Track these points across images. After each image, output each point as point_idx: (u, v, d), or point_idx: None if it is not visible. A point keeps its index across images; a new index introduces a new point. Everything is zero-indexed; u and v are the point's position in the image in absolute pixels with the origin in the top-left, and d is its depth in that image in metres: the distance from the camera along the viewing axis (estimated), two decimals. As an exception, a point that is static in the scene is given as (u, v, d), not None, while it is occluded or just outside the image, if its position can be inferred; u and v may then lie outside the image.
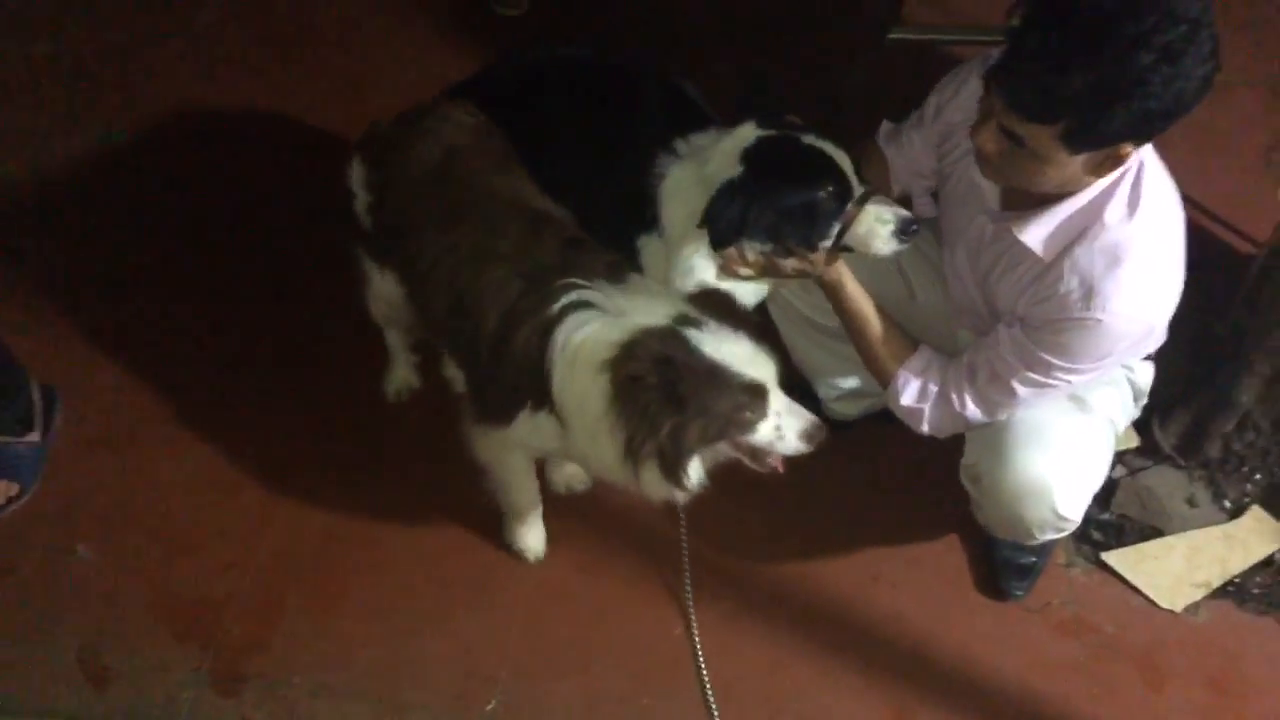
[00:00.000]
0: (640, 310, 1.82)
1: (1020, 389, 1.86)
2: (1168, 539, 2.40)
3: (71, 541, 2.31)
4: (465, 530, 2.37)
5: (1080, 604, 2.32)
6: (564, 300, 1.85)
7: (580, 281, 1.87)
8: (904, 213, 2.00)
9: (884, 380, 2.04)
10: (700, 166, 2.04)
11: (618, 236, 2.15)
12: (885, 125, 2.19)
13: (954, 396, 1.95)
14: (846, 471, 2.46)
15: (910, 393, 2.00)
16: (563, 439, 1.93)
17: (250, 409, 2.54)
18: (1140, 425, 2.52)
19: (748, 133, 2.02)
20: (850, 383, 2.39)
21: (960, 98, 1.92)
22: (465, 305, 1.96)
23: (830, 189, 1.96)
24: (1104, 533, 2.40)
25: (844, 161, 1.98)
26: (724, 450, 1.86)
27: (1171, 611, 2.31)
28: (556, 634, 2.25)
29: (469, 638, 2.23)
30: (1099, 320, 1.72)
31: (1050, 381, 1.84)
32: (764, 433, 1.80)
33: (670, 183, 2.08)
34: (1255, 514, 2.45)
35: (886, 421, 2.18)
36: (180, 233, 2.91)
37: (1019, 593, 2.31)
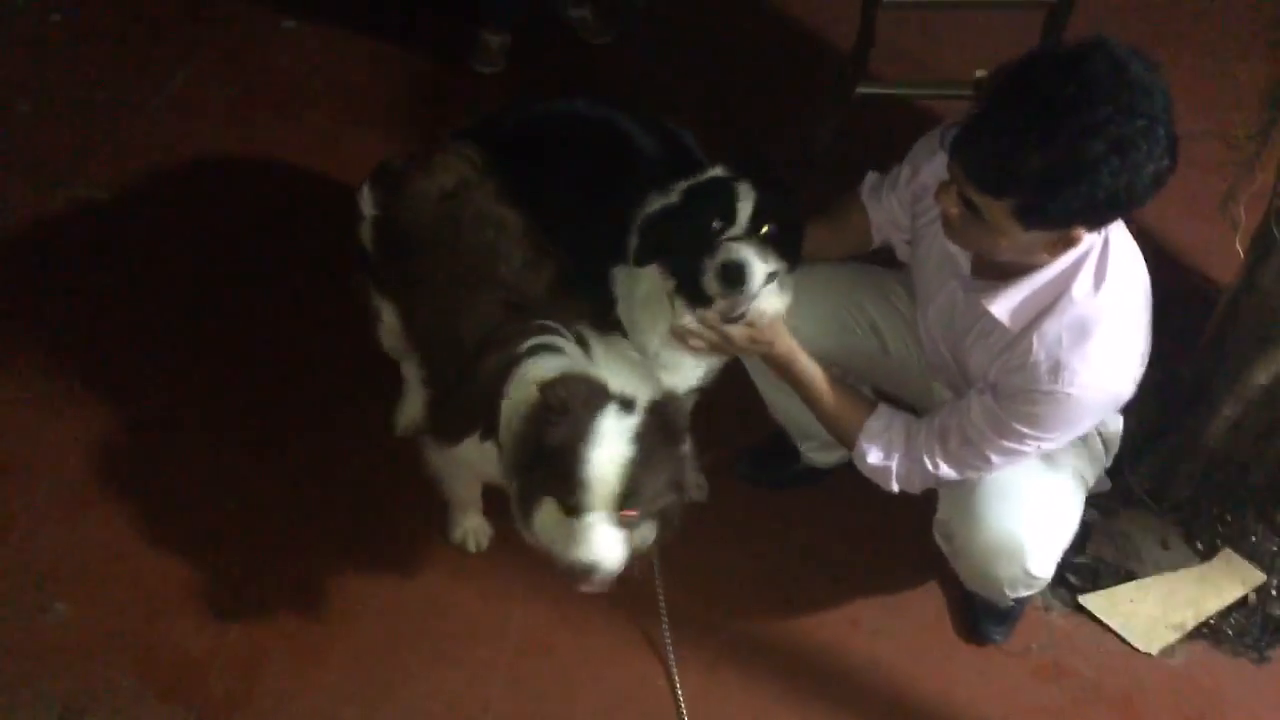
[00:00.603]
0: (610, 373, 1.89)
1: (993, 456, 1.89)
2: (1143, 581, 2.44)
3: (50, 599, 2.30)
4: (448, 583, 2.38)
5: (1059, 648, 2.35)
6: (534, 341, 1.92)
7: (556, 326, 1.94)
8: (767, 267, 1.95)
9: (848, 445, 2.07)
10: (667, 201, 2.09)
11: (602, 268, 2.20)
12: (870, 177, 2.23)
13: (925, 458, 1.97)
14: (825, 518, 2.50)
15: (875, 454, 2.02)
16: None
17: (229, 465, 2.54)
18: (1112, 470, 2.57)
19: (708, 175, 2.08)
20: (825, 434, 2.42)
21: (935, 162, 1.95)
22: (451, 321, 2.04)
23: (716, 221, 1.96)
24: (1080, 576, 2.43)
25: (745, 202, 1.96)
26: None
27: (1149, 654, 2.34)
28: (539, 687, 2.25)
29: (452, 691, 2.23)
30: (1068, 394, 1.76)
31: (1023, 448, 1.87)
32: (565, 532, 1.79)
33: (643, 215, 2.11)
34: (1226, 555, 2.49)
35: None
36: (162, 288, 2.92)
37: (998, 638, 2.33)
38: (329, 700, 2.20)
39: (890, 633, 2.36)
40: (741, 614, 2.38)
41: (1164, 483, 2.52)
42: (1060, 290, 1.76)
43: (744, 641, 2.34)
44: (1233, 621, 2.41)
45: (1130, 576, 2.44)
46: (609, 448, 1.75)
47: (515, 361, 1.91)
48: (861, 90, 3.10)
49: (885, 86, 3.20)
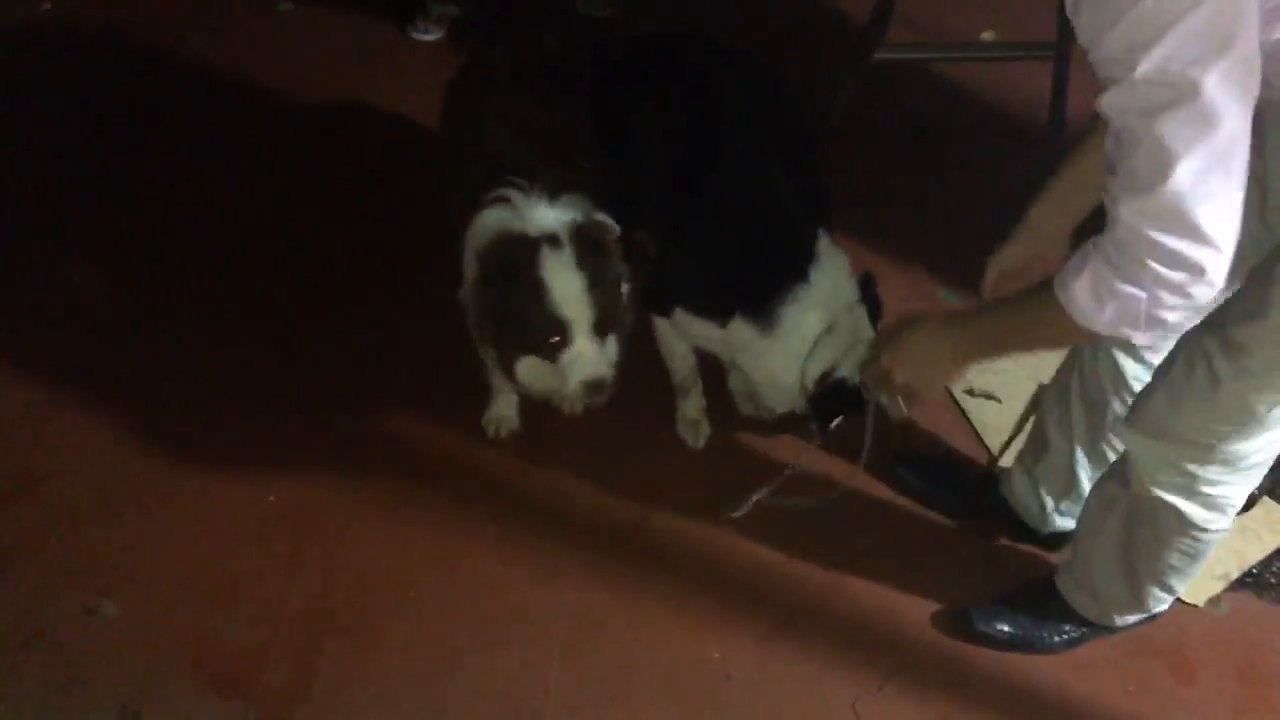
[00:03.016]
0: (534, 222, 2.08)
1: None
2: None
3: (97, 598, 2.26)
4: (498, 567, 2.37)
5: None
6: (497, 193, 2.13)
7: (520, 181, 2.13)
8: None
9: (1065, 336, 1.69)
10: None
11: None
12: None
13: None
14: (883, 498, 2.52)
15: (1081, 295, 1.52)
16: None
17: (275, 454, 2.52)
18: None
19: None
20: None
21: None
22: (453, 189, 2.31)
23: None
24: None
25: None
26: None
27: (1195, 605, 2.37)
28: (597, 665, 2.24)
29: (510, 674, 2.22)
30: None
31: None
32: (560, 368, 2.05)
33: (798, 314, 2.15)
34: (1265, 505, 2.52)
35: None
36: (180, 274, 2.90)
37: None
38: (387, 687, 2.19)
39: (944, 589, 2.38)
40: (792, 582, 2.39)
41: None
42: None
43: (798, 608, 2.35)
44: (1274, 569, 2.44)
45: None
46: (563, 283, 1.99)
47: (476, 211, 2.13)
48: (880, 56, 3.09)
49: (902, 52, 3.19)
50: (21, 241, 2.99)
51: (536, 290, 1.99)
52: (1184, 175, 1.29)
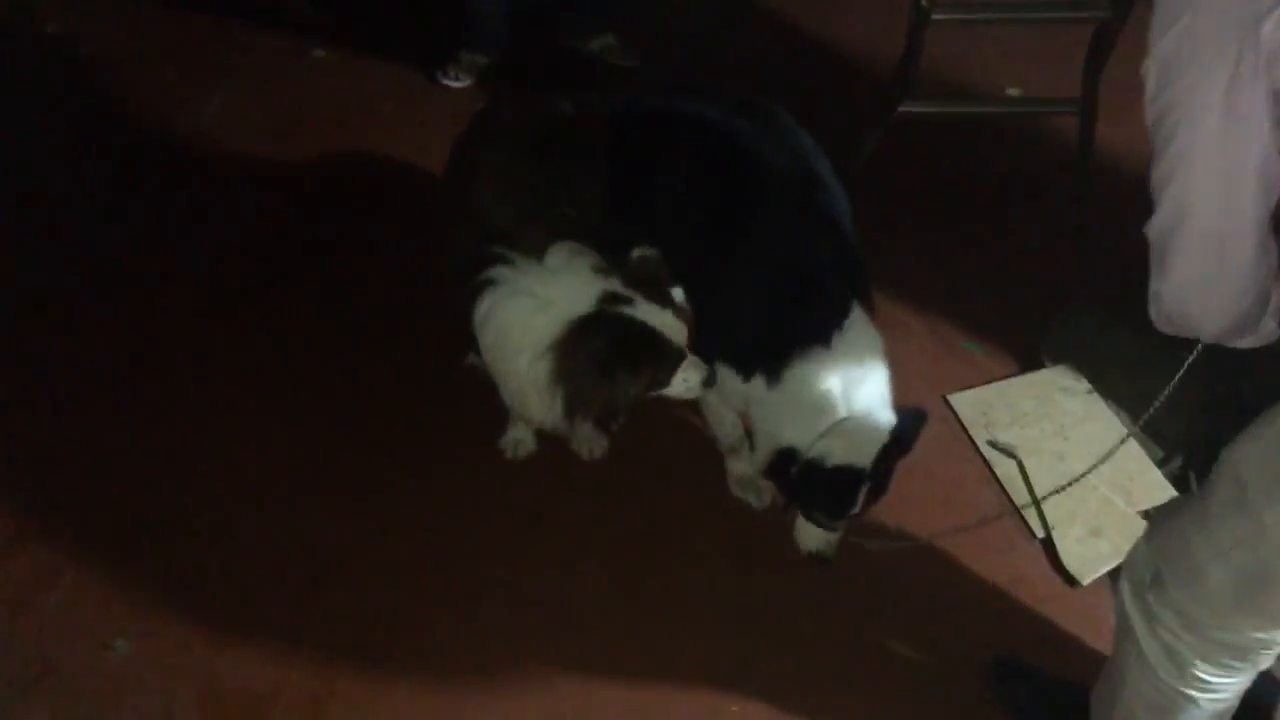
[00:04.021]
0: (567, 297, 2.10)
1: None
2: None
3: (110, 636, 2.25)
4: (513, 612, 2.34)
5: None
6: (485, 274, 2.16)
7: (508, 255, 2.16)
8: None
9: None
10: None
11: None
12: None
13: None
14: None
15: None
16: None
17: (289, 497, 2.51)
18: (1179, 482, 2.56)
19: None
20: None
21: None
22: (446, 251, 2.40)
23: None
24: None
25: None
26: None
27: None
28: (612, 716, 2.21)
29: (522, 723, 2.19)
30: None
31: None
32: (676, 384, 2.15)
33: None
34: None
35: None
36: (195, 306, 2.93)
37: None
38: (398, 734, 2.16)
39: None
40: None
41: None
42: None
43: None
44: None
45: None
46: (667, 323, 2.10)
47: (476, 292, 2.17)
48: (903, 109, 3.10)
49: (927, 105, 3.19)
50: (35, 270, 3.03)
51: (659, 348, 2.10)
52: None
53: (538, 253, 2.16)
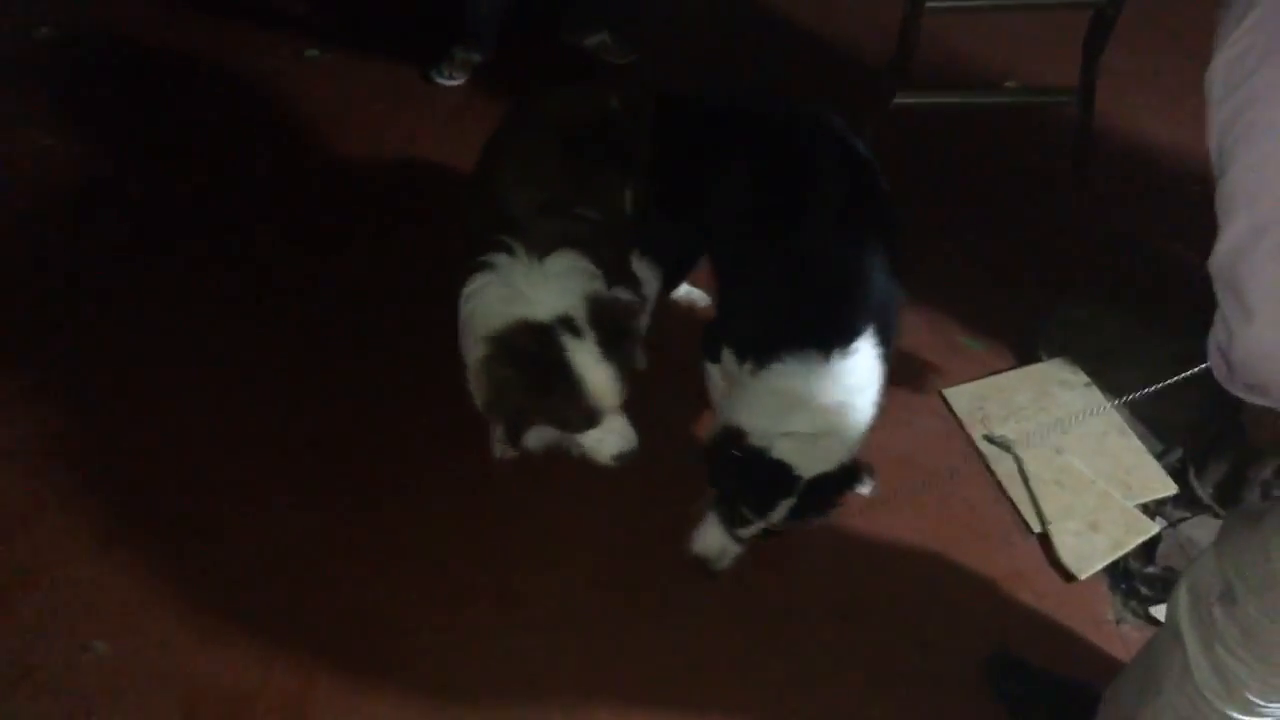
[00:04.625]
0: (533, 300, 2.05)
1: None
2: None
3: (90, 638, 2.22)
4: (499, 614, 2.30)
5: (1133, 661, 2.27)
6: (485, 257, 2.12)
7: (510, 243, 2.11)
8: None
9: None
10: None
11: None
12: None
13: None
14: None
15: None
16: None
17: (272, 497, 2.48)
18: (1177, 474, 2.51)
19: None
20: None
21: None
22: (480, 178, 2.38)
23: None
24: (1151, 587, 2.35)
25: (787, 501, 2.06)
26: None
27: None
28: (600, 717, 2.17)
29: (508, 726, 2.15)
30: None
31: None
32: (588, 440, 2.13)
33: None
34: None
35: None
36: (174, 313, 2.90)
37: None
38: (381, 734, 2.13)
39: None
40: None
41: (1231, 488, 2.45)
42: None
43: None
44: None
45: (1202, 586, 2.36)
46: (597, 376, 2.02)
47: (471, 271, 2.14)
48: (899, 100, 3.06)
49: (922, 95, 3.15)
50: (24, 271, 3.01)
51: (571, 384, 2.02)
52: None
53: (542, 250, 2.11)
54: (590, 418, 2.08)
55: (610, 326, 2.06)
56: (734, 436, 2.06)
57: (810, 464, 2.00)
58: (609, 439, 2.12)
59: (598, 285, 2.12)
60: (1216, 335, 1.31)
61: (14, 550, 2.36)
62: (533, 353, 2.02)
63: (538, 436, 2.20)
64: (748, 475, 2.05)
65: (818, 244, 2.13)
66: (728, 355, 2.22)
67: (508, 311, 2.06)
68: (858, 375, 2.05)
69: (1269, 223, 1.18)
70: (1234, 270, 1.22)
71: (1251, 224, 1.19)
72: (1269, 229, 1.18)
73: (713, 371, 2.34)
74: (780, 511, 2.06)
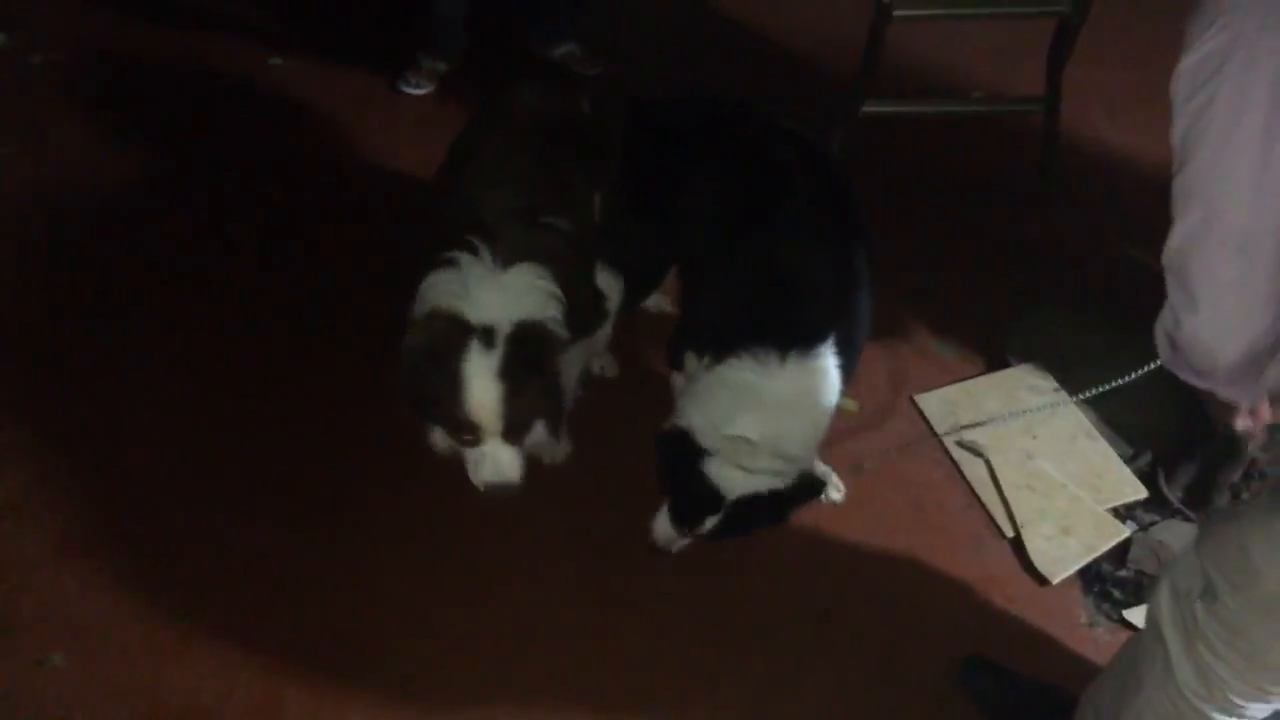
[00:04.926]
0: (476, 302, 2.01)
1: None
2: (1185, 593, 2.36)
3: (46, 651, 2.16)
4: (478, 625, 2.27)
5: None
6: (450, 254, 2.07)
7: (476, 245, 2.06)
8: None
9: None
10: None
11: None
12: None
13: None
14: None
15: None
16: None
17: (238, 503, 2.43)
18: (1147, 478, 2.52)
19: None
20: None
21: None
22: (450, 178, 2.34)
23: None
24: (1123, 590, 2.35)
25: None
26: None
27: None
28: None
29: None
30: None
31: None
32: (469, 457, 2.06)
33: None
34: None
35: None
36: (148, 321, 2.84)
37: None
38: (349, 749, 2.08)
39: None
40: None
41: (1200, 491, 2.46)
42: None
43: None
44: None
45: (1172, 588, 2.37)
46: (481, 390, 1.95)
47: (432, 266, 2.10)
48: (867, 109, 3.08)
49: (890, 104, 3.17)
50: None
51: (455, 387, 1.96)
52: None
53: (507, 259, 2.06)
54: (469, 431, 2.01)
55: (522, 354, 1.99)
56: (678, 440, 2.04)
57: (739, 483, 1.99)
58: (484, 463, 2.04)
59: (550, 310, 2.08)
60: (1164, 321, 1.43)
61: (-33, 563, 2.29)
62: (437, 344, 1.98)
63: (442, 437, 2.14)
64: (681, 489, 2.06)
65: (786, 248, 2.12)
66: (690, 358, 2.20)
67: (448, 304, 2.02)
68: (812, 381, 2.03)
69: (1218, 215, 1.28)
70: (1184, 261, 1.34)
71: (1203, 216, 1.29)
72: (1218, 221, 1.28)
73: (678, 381, 2.32)
74: (706, 526, 2.06)
